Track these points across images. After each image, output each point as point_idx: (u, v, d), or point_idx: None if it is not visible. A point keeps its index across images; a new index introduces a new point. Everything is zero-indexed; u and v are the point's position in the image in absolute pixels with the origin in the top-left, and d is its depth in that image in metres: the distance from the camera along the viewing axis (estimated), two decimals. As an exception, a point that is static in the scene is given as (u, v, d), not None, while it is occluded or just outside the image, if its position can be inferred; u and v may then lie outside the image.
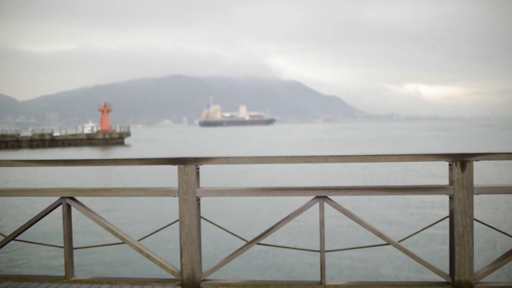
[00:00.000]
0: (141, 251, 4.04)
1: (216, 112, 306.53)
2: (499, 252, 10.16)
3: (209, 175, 25.69)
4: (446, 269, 4.00)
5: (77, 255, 10.48)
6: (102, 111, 75.70)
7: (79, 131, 72.61)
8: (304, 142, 70.59)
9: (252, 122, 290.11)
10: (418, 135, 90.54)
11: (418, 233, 4.11)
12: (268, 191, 3.91)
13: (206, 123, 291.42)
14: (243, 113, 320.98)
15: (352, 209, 4.10)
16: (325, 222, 3.87)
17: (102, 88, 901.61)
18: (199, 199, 3.98)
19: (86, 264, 10.40)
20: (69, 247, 4.12)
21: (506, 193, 3.77)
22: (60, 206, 4.11)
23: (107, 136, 69.92)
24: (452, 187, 3.72)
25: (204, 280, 4.01)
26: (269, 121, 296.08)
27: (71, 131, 72.95)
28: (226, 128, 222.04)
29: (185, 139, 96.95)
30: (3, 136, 66.23)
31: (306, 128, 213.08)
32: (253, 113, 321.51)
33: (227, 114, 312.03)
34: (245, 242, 4.02)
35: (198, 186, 3.95)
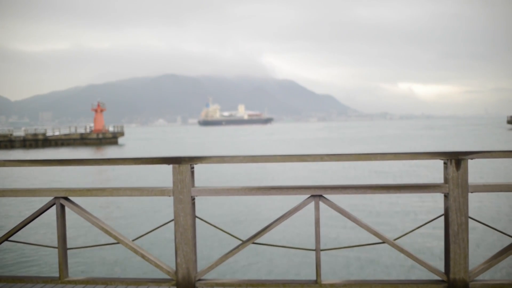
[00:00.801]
0: (136, 251, 4.02)
1: (215, 111, 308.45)
2: (494, 250, 10.21)
3: (204, 174, 25.65)
4: (441, 267, 4.01)
5: (71, 256, 10.44)
6: (96, 111, 75.40)
7: (72, 131, 72.27)
8: (306, 141, 70.60)
9: (251, 121, 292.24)
10: (415, 133, 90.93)
11: (414, 232, 4.11)
12: (263, 190, 3.90)
13: (206, 122, 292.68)
14: (241, 112, 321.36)
15: (347, 207, 4.09)
16: (321, 221, 3.86)
17: (95, 88, 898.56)
18: (194, 199, 3.97)
19: (81, 265, 10.35)
20: (63, 247, 4.10)
21: (501, 191, 3.78)
22: (54, 206, 4.08)
23: (100, 136, 69.66)
24: (447, 185, 3.73)
25: (199, 280, 4.00)
26: (267, 120, 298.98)
27: (64, 130, 72.60)
28: (225, 127, 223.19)
29: (183, 138, 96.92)
30: (-4, 136, 65.86)
31: (303, 127, 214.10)
32: (252, 112, 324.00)
33: (226, 113, 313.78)
34: (240, 242, 4.01)
35: (193, 185, 3.94)
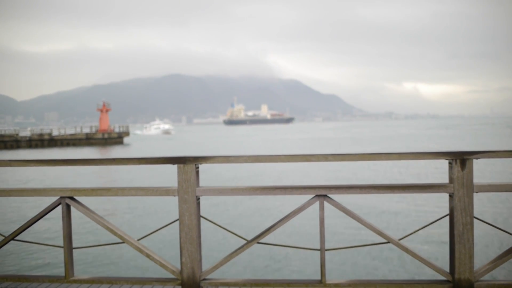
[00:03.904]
0: (141, 251, 4.03)
1: (240, 111, 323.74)
2: (499, 250, 10.17)
3: (208, 174, 25.68)
4: (446, 267, 4.00)
5: (77, 255, 10.47)
6: (101, 111, 75.66)
7: (78, 131, 72.51)
8: (328, 140, 70.78)
9: (273, 120, 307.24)
10: (426, 133, 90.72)
11: (418, 231, 4.10)
12: (268, 190, 3.90)
13: (231, 122, 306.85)
14: (264, 112, 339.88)
15: (352, 207, 4.09)
16: (325, 220, 3.86)
17: (100, 88, 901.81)
18: (198, 198, 3.97)
19: (86, 264, 10.39)
20: (68, 247, 4.12)
21: (506, 191, 3.77)
22: (60, 206, 4.10)
23: (106, 136, 69.87)
24: (452, 185, 3.72)
25: (204, 279, 4.00)
26: (289, 120, 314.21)
27: (70, 130, 72.85)
28: (250, 127, 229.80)
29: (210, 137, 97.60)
30: (2, 136, 66.17)
31: (323, 126, 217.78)
32: (274, 112, 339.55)
33: (250, 113, 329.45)
34: (245, 241, 4.01)
35: (197, 185, 3.94)
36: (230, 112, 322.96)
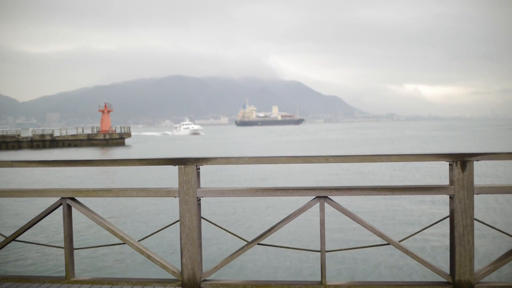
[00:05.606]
0: (141, 252, 4.04)
1: (251, 112, 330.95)
2: (500, 252, 10.15)
3: (209, 175, 25.68)
4: (446, 269, 4.00)
5: (77, 256, 10.49)
6: (103, 112, 75.71)
7: (79, 131, 72.55)
8: (337, 142, 70.91)
9: (284, 121, 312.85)
10: (429, 134, 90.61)
11: (419, 233, 4.10)
12: (268, 191, 3.91)
13: (242, 123, 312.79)
14: (275, 113, 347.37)
15: (352, 209, 4.09)
16: (326, 222, 3.87)
17: (102, 89, 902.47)
18: (199, 200, 3.98)
19: (87, 265, 10.40)
20: (69, 247, 4.12)
21: (507, 192, 3.77)
22: (61, 207, 4.11)
23: (107, 137, 69.91)
24: (452, 187, 3.72)
25: (205, 280, 4.01)
26: (299, 121, 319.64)
27: (71, 131, 72.88)
28: (261, 127, 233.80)
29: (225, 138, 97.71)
30: (4, 137, 66.25)
31: (330, 127, 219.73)
32: (285, 113, 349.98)
33: (261, 114, 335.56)
34: (245, 242, 4.02)
35: (198, 186, 3.95)
36: (242, 113, 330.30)
